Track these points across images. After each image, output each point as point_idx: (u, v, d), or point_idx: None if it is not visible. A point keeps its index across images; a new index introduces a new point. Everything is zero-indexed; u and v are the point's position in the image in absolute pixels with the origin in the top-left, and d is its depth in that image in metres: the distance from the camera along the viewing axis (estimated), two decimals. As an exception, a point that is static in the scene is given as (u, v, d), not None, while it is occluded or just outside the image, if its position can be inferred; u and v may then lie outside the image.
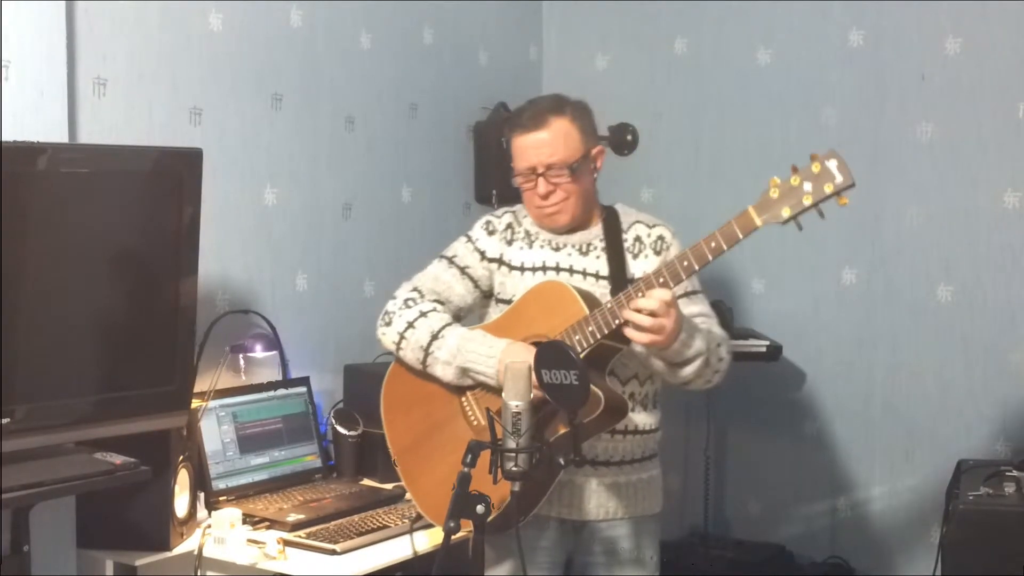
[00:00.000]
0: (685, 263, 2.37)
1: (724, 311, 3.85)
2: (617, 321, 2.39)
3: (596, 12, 4.39)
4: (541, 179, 2.57)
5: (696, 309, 2.62)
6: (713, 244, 2.35)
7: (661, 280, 2.37)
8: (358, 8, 3.66)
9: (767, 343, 3.82)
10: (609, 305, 2.41)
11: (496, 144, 4.08)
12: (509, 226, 2.70)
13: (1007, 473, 3.20)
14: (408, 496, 3.07)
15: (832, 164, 2.29)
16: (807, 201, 2.30)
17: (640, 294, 2.37)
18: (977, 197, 3.71)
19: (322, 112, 3.57)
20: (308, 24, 3.48)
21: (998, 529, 2.97)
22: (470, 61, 4.17)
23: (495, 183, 4.07)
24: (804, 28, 3.99)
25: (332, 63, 3.59)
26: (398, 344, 2.64)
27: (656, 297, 2.34)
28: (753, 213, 2.33)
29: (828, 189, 2.29)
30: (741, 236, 2.33)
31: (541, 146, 2.56)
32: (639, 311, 2.34)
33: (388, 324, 2.67)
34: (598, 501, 2.62)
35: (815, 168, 2.30)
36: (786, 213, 2.31)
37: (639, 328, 2.35)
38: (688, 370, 2.50)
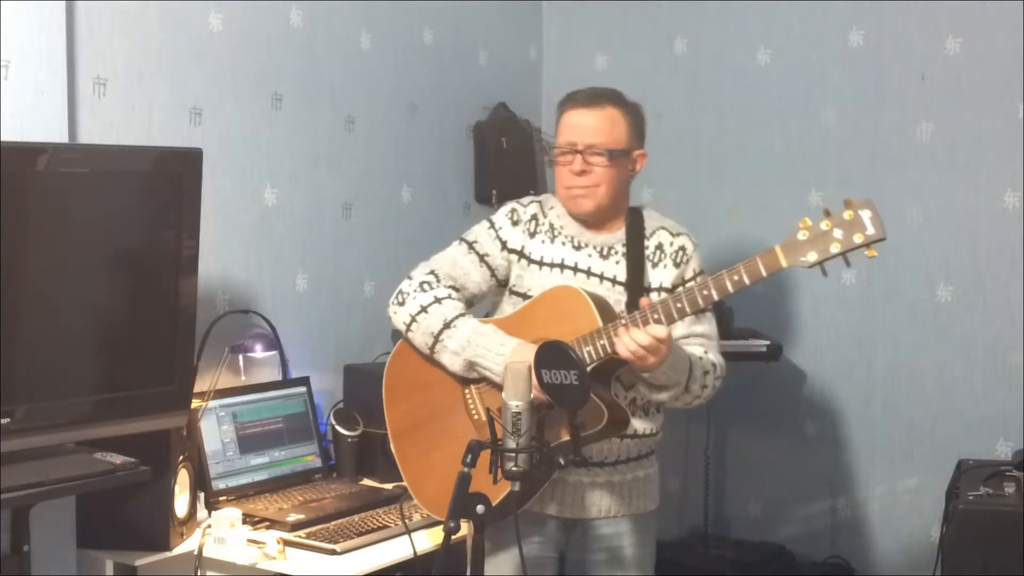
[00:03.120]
0: (705, 292, 2.38)
1: (724, 311, 3.85)
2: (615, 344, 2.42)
3: (596, 12, 4.39)
4: (578, 156, 2.57)
5: (700, 329, 2.64)
6: (736, 278, 2.35)
7: (656, 317, 2.39)
8: (358, 8, 3.66)
9: (767, 343, 3.81)
10: (623, 321, 2.42)
11: (496, 144, 4.08)
12: (534, 217, 2.68)
13: (1007, 473, 3.20)
14: (409, 498, 3.09)
15: (866, 214, 2.27)
16: (835, 248, 2.29)
17: (653, 316, 2.39)
18: (977, 197, 3.71)
19: (322, 112, 3.57)
20: (308, 24, 3.48)
21: (998, 529, 2.97)
22: (470, 61, 4.17)
23: (495, 183, 4.07)
24: (804, 28, 3.99)
25: (332, 63, 3.59)
26: (408, 326, 2.63)
27: (650, 333, 2.36)
28: (780, 253, 2.33)
29: (859, 239, 2.28)
30: (765, 274, 2.34)
31: (588, 125, 2.57)
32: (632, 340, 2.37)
33: (401, 304, 2.65)
34: (592, 499, 2.62)
35: (848, 215, 2.28)
36: (812, 258, 2.30)
37: (627, 348, 2.38)
38: (662, 395, 2.56)
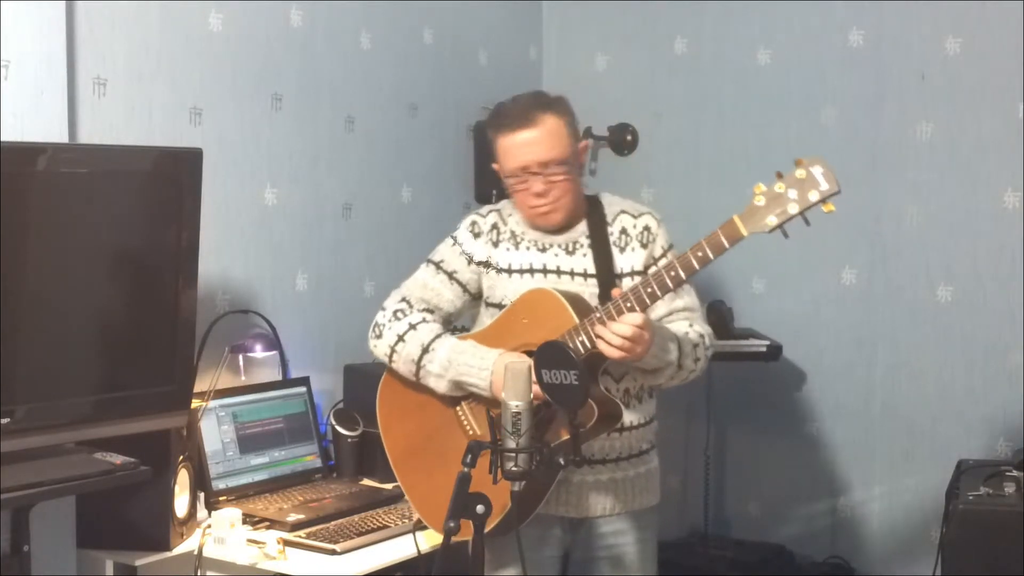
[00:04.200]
0: (672, 273, 2.37)
1: (724, 311, 3.85)
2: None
3: (596, 12, 4.39)
4: (536, 178, 2.54)
5: (681, 303, 2.63)
6: (700, 254, 2.35)
7: (628, 305, 2.38)
8: (358, 8, 3.66)
9: (767, 343, 3.82)
10: (597, 315, 2.41)
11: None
12: (494, 227, 2.67)
13: (1007, 473, 3.20)
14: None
15: (817, 170, 2.27)
16: (792, 209, 2.28)
17: (626, 305, 2.38)
18: (977, 197, 3.71)
19: (322, 112, 3.57)
20: (308, 24, 3.49)
21: (998, 529, 2.97)
22: (470, 61, 4.17)
23: (495, 183, 4.03)
24: (804, 28, 3.99)
25: (332, 63, 3.59)
26: (390, 357, 2.63)
27: (628, 323, 2.35)
28: (739, 222, 2.32)
29: (813, 196, 2.27)
30: (728, 246, 2.33)
31: (532, 144, 2.53)
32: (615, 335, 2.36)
33: (379, 337, 2.65)
34: (597, 498, 2.61)
35: (800, 174, 2.28)
36: (772, 222, 2.29)
37: (610, 345, 2.37)
38: (658, 378, 2.56)
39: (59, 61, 2.75)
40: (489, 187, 4.08)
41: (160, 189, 2.61)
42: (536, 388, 2.25)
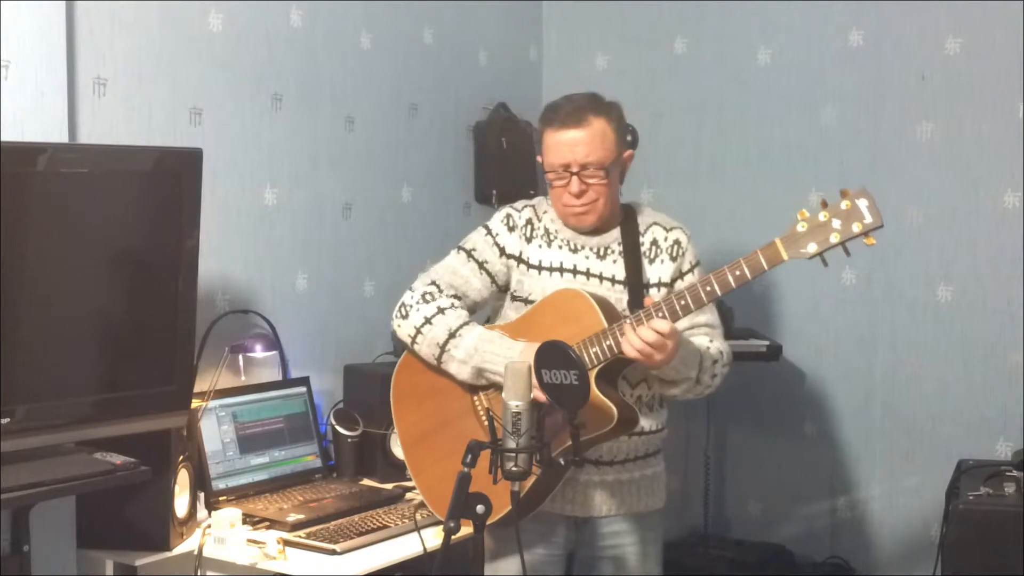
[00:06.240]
0: (708, 288, 2.41)
1: (724, 311, 3.84)
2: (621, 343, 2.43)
3: (596, 12, 4.39)
4: (575, 178, 2.55)
5: (703, 319, 2.64)
6: (738, 272, 2.38)
7: (660, 315, 2.40)
8: (358, 8, 3.66)
9: (767, 343, 3.82)
10: (627, 320, 2.43)
11: (496, 144, 4.08)
12: (529, 222, 2.68)
13: (1007, 473, 3.20)
14: (408, 496, 3.08)
15: (862, 203, 2.30)
16: (835, 239, 2.31)
17: (658, 314, 2.40)
18: (977, 197, 3.71)
19: (322, 112, 3.57)
20: (308, 24, 3.48)
21: (998, 529, 2.97)
22: (470, 61, 4.17)
23: (495, 183, 4.07)
24: (804, 28, 3.99)
25: (332, 63, 3.59)
26: (414, 338, 2.63)
27: (653, 328, 2.37)
28: (780, 246, 2.35)
29: (856, 228, 2.30)
30: (767, 267, 2.36)
31: (578, 144, 2.55)
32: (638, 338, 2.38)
33: (405, 317, 2.65)
34: (602, 498, 2.63)
35: (845, 205, 2.30)
36: (812, 249, 2.33)
37: (631, 346, 2.40)
38: (675, 389, 2.59)
39: (59, 61, 2.75)
40: (489, 187, 4.09)
41: (160, 189, 2.61)
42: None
